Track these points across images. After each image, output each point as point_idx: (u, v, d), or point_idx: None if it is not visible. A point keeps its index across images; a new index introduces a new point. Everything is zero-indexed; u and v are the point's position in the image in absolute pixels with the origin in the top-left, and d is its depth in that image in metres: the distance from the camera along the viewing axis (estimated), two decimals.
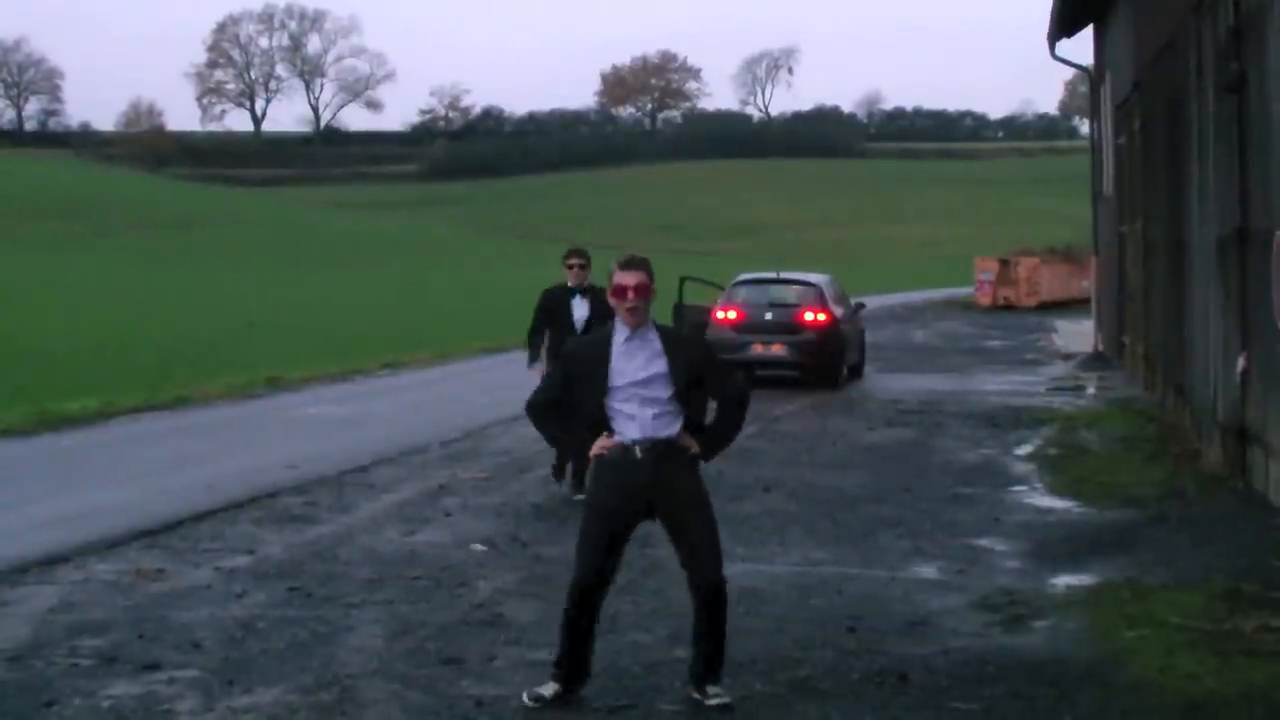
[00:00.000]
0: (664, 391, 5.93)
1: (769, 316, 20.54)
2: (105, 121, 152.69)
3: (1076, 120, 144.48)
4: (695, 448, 6.02)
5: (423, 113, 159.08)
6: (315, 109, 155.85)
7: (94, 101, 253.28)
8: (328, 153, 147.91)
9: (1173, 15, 14.95)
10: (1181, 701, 6.06)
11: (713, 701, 5.96)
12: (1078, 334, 29.86)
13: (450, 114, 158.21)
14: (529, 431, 9.60)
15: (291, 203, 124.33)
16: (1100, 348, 25.94)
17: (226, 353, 25.59)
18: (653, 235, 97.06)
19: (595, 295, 10.92)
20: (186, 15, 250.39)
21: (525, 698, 6.02)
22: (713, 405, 6.22)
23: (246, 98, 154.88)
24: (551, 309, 11.26)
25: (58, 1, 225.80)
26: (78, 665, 6.64)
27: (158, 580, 8.40)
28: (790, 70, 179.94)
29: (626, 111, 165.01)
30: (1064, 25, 23.62)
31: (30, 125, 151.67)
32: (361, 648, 6.92)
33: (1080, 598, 7.97)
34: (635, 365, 5.94)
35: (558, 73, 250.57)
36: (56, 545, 9.27)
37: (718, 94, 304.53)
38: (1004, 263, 47.40)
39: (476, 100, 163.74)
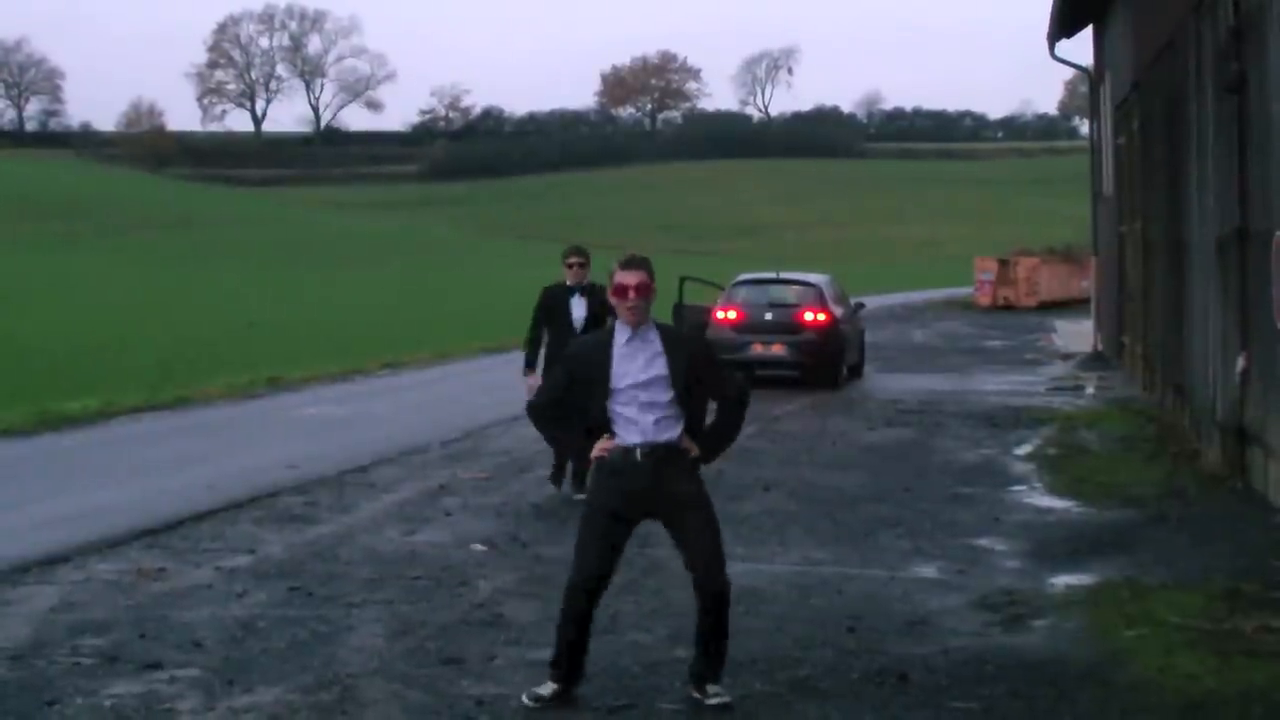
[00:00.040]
0: (664, 394, 5.93)
1: (769, 316, 20.55)
2: (106, 122, 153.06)
3: (1076, 120, 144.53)
4: (696, 451, 6.04)
5: (423, 113, 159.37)
6: (315, 109, 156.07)
7: (95, 102, 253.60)
8: (328, 153, 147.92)
9: (1172, 15, 14.96)
10: (1181, 701, 6.06)
11: (713, 701, 5.97)
12: (1077, 334, 29.86)
13: (450, 114, 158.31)
14: (529, 431, 9.63)
15: (292, 203, 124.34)
16: (1100, 348, 25.95)
17: (227, 352, 25.60)
18: (653, 235, 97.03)
19: (594, 294, 10.96)
20: (187, 15, 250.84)
21: (525, 698, 6.03)
22: (712, 406, 6.23)
23: (247, 98, 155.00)
24: (550, 307, 11.30)
25: (58, 1, 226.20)
26: (79, 664, 6.65)
27: (159, 580, 8.41)
28: (790, 70, 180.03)
29: (626, 112, 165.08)
30: (1064, 25, 23.63)
31: (31, 125, 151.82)
32: (362, 647, 6.93)
33: (1080, 597, 7.98)
34: (636, 366, 5.95)
35: (558, 73, 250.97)
36: (57, 545, 9.28)
37: (718, 94, 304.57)
38: (1003, 263, 47.41)
39: (477, 100, 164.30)
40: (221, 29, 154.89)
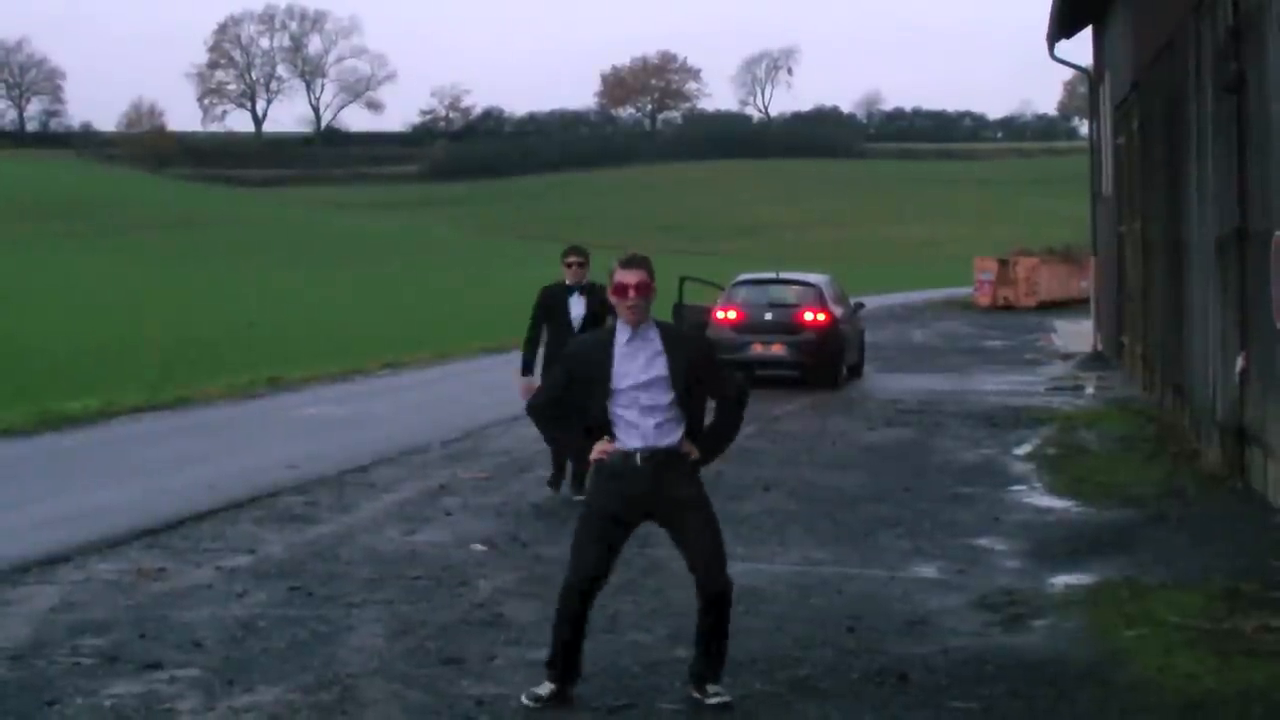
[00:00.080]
0: (665, 396, 5.92)
1: (769, 316, 20.56)
2: (107, 122, 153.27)
3: (1075, 121, 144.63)
4: (696, 454, 6.04)
5: (423, 113, 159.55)
6: (316, 109, 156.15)
7: (95, 102, 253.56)
8: (328, 153, 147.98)
9: (1172, 15, 14.97)
10: (1180, 701, 6.07)
11: (712, 700, 5.97)
12: (1077, 334, 29.87)
13: (451, 114, 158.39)
14: (529, 431, 9.64)
15: (292, 203, 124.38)
16: (1099, 348, 25.96)
17: (227, 352, 25.60)
18: (653, 235, 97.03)
19: (593, 293, 10.97)
20: (187, 15, 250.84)
21: (524, 698, 6.03)
22: (711, 405, 6.23)
23: (247, 98, 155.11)
24: (549, 306, 11.30)
25: (58, 2, 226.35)
26: (79, 664, 6.65)
27: (159, 580, 8.41)
28: (790, 71, 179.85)
29: (626, 112, 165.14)
30: (1063, 26, 23.64)
31: (32, 126, 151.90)
32: (362, 647, 6.94)
33: (1079, 597, 7.98)
34: (637, 367, 5.94)
35: (558, 73, 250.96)
36: (58, 545, 9.28)
37: (717, 94, 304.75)
38: (1003, 263, 47.44)
39: (477, 101, 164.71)
40: (222, 29, 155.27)
